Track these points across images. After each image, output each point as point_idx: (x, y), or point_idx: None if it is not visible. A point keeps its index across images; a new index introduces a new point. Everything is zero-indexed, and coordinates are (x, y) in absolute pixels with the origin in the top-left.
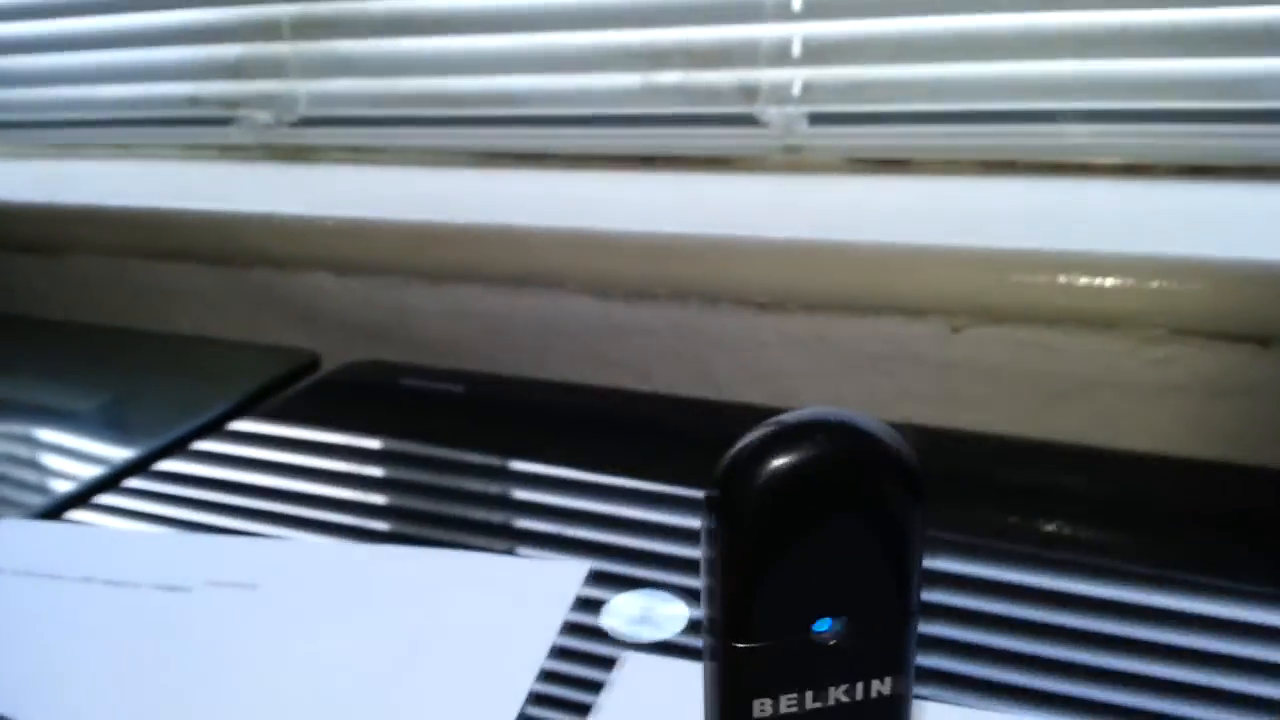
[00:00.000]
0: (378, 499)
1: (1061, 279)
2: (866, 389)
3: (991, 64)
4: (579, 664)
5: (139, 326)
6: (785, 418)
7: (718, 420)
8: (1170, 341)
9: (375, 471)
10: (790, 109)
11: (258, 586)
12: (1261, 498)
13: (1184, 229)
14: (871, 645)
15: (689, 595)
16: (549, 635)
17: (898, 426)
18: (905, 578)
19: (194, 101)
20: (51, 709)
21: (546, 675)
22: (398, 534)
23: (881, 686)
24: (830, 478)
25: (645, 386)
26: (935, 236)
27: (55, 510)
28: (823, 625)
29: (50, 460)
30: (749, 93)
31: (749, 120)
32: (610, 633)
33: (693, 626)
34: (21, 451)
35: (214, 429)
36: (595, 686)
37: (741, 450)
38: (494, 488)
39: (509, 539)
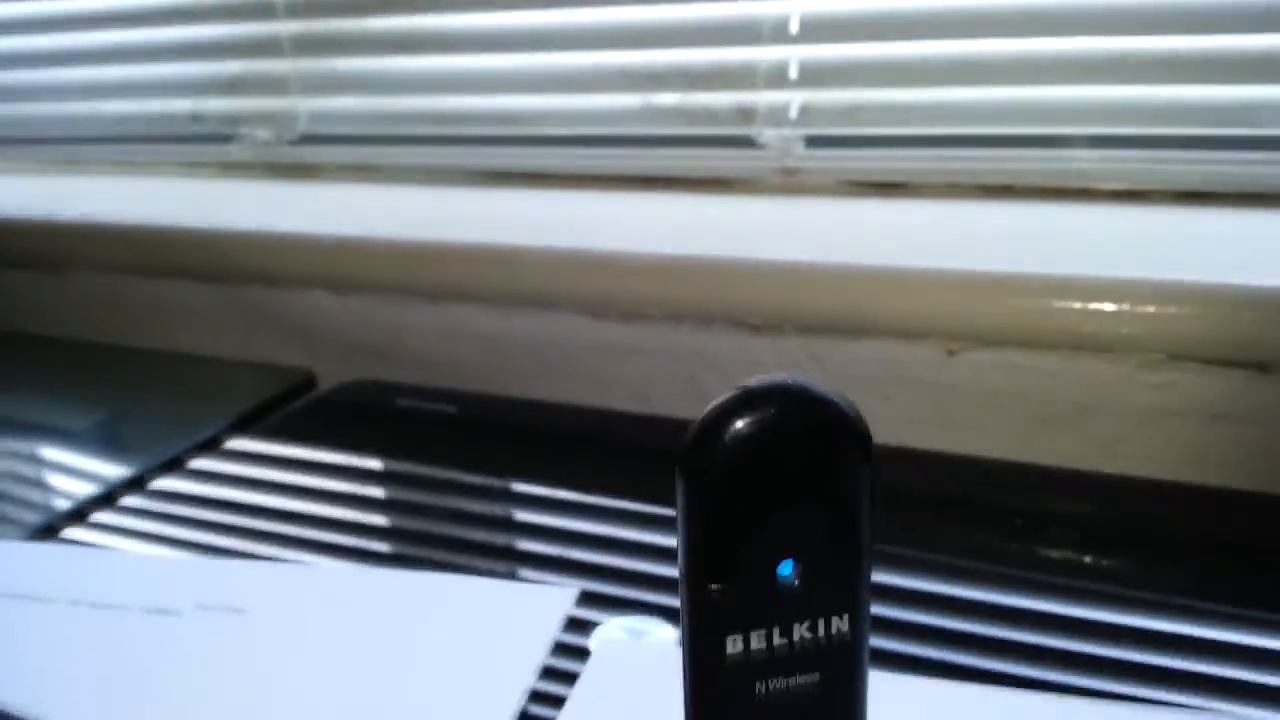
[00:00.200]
0: (373, 518)
1: (1058, 303)
2: (861, 411)
3: (989, 89)
4: (568, 685)
5: (136, 343)
6: (749, 383)
7: None
8: (1168, 367)
9: (370, 491)
10: (787, 131)
11: (246, 610)
12: (1260, 524)
13: (1182, 254)
14: (829, 585)
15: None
16: (538, 658)
17: (893, 450)
18: (856, 524)
19: (195, 118)
20: None
21: (535, 697)
22: (392, 553)
23: (841, 623)
24: (788, 437)
25: (640, 407)
26: (931, 259)
27: (51, 528)
28: (785, 569)
29: (46, 477)
30: (746, 115)
31: (746, 142)
32: None
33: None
34: (17, 468)
35: (210, 447)
36: None
37: (708, 414)
38: (488, 508)
39: (502, 559)
